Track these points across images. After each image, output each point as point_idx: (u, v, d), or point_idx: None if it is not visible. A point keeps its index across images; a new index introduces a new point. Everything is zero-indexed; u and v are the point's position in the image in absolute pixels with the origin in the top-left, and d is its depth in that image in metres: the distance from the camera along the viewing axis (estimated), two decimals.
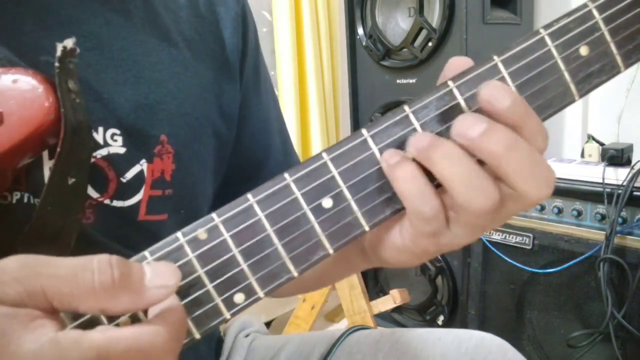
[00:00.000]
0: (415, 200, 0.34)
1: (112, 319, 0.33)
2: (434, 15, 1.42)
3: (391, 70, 1.55)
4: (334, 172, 0.35)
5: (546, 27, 0.36)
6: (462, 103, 0.35)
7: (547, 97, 0.36)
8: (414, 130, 0.35)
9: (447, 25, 1.38)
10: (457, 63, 0.37)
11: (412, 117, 0.35)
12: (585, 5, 0.36)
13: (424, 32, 1.44)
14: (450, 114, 0.35)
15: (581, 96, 0.37)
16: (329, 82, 1.93)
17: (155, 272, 0.32)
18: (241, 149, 0.60)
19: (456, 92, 0.35)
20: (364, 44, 1.59)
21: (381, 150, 0.35)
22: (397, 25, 1.53)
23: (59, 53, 0.38)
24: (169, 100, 0.51)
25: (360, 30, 1.60)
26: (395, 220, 0.38)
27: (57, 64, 0.38)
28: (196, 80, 0.54)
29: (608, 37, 0.36)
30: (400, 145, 0.35)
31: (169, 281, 0.32)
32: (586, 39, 0.36)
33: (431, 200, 0.34)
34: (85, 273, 0.30)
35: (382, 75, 1.58)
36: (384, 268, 1.68)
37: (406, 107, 0.36)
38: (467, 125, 0.33)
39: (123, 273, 0.31)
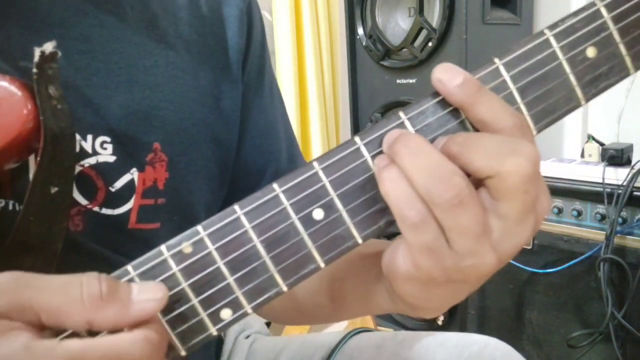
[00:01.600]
0: (399, 204, 0.32)
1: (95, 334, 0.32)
2: (434, 15, 1.42)
3: (391, 70, 1.55)
4: (325, 181, 0.34)
5: (551, 27, 0.34)
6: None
7: (550, 101, 0.34)
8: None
9: (447, 25, 1.38)
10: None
11: (407, 123, 0.34)
12: (593, 4, 0.34)
13: (424, 32, 1.43)
14: (447, 120, 0.34)
15: (587, 100, 0.35)
16: (329, 82, 1.93)
17: (142, 287, 0.32)
18: (243, 154, 0.58)
19: None
20: (364, 44, 1.59)
21: (374, 158, 0.34)
22: (397, 25, 1.53)
23: (36, 58, 0.36)
24: (164, 106, 0.49)
25: (360, 30, 1.60)
26: (399, 242, 0.36)
27: (35, 70, 0.36)
28: (194, 84, 0.52)
29: (617, 37, 0.34)
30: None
31: (155, 294, 0.32)
32: (593, 39, 0.34)
33: (416, 204, 0.32)
34: (74, 286, 0.30)
35: (382, 75, 1.58)
36: None
37: (401, 114, 0.34)
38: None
39: (110, 286, 0.31)
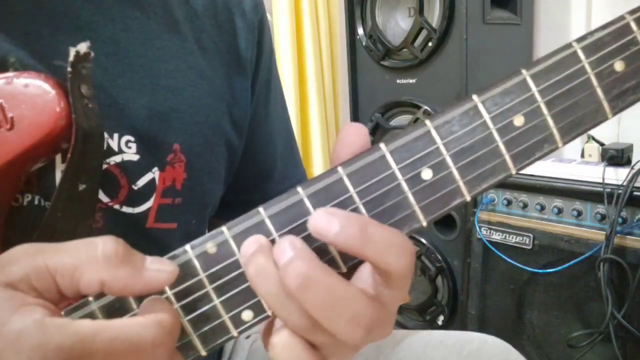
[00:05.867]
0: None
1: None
2: (434, 15, 1.42)
3: (391, 70, 1.55)
4: (350, 189, 0.34)
5: (579, 40, 0.34)
6: (488, 120, 0.34)
7: (577, 115, 0.34)
8: (437, 149, 0.34)
9: (447, 25, 1.38)
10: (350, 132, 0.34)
11: (434, 132, 0.34)
12: (622, 18, 0.34)
13: (424, 32, 1.44)
14: (474, 131, 0.34)
15: (615, 114, 0.35)
16: (329, 82, 1.93)
17: (154, 259, 0.33)
18: (249, 161, 0.60)
19: (481, 107, 0.34)
20: (364, 44, 1.59)
21: (401, 169, 0.34)
22: (397, 25, 1.53)
23: (71, 57, 0.37)
24: (183, 109, 0.51)
25: (360, 30, 1.60)
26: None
27: (69, 69, 0.38)
28: (210, 89, 0.54)
29: None
30: (418, 163, 0.34)
31: (167, 267, 0.32)
32: (622, 53, 0.34)
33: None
34: (90, 246, 0.31)
35: (382, 75, 1.58)
36: None
37: (428, 122, 0.34)
38: (277, 252, 0.31)
39: (126, 249, 0.32)
